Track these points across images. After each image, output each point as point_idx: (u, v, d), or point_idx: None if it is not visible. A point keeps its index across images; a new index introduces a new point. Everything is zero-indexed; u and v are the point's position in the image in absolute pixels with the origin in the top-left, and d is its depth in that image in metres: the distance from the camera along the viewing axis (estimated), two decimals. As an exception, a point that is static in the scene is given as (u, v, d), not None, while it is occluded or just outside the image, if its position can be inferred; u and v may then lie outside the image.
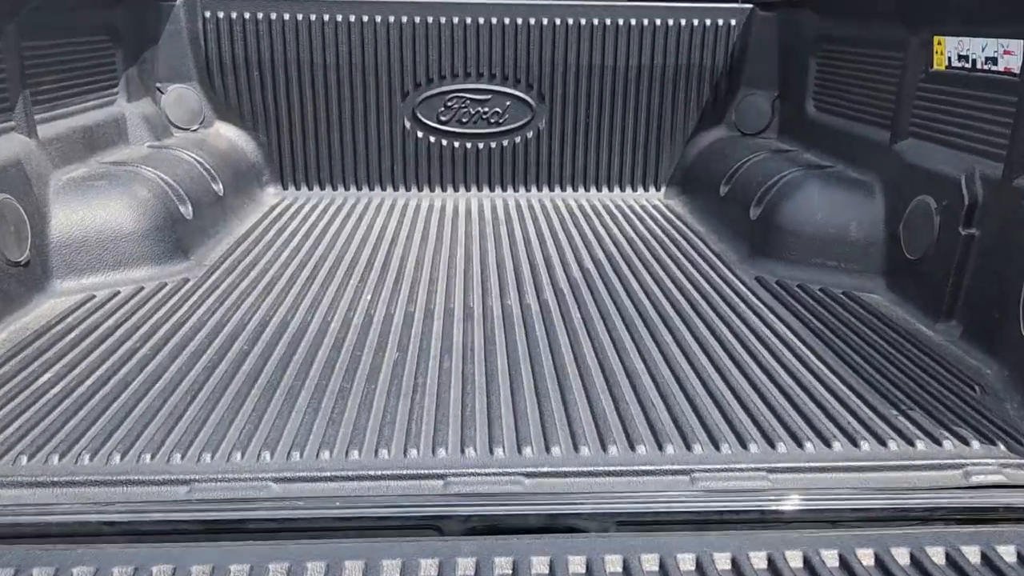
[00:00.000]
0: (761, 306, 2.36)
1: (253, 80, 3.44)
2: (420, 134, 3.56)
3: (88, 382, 1.82)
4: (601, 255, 2.82)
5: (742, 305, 2.36)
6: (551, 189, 3.67)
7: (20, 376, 1.84)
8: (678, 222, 3.26)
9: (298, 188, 3.61)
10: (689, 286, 2.51)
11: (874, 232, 2.55)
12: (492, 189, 3.66)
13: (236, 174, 3.31)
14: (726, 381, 1.88)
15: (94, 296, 2.33)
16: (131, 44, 3.17)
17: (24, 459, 1.50)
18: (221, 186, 3.10)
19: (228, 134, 3.52)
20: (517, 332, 2.15)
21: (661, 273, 2.63)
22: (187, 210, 2.76)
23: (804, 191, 2.72)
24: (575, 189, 3.68)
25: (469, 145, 3.59)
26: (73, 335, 2.05)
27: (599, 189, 3.69)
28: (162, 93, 3.40)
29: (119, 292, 2.37)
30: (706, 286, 2.52)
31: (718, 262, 2.75)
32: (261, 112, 3.49)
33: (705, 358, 2.01)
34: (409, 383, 1.85)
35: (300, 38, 3.37)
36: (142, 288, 2.41)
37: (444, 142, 3.58)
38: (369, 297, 2.37)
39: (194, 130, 3.47)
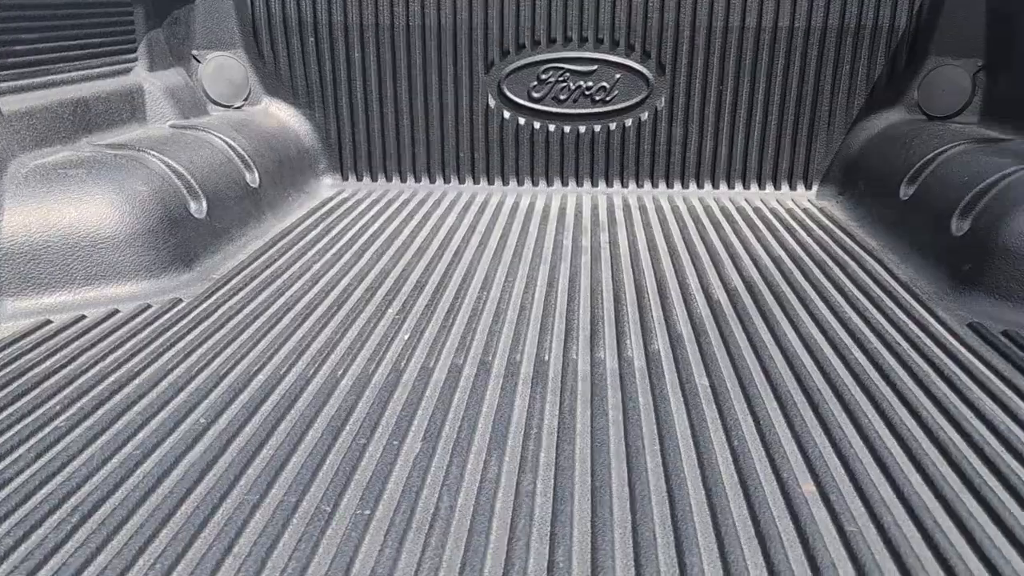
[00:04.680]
0: (989, 374, 1.54)
1: (308, 48, 2.83)
2: (507, 114, 2.87)
3: None
4: (737, 281, 2.05)
5: (957, 371, 1.55)
6: (669, 185, 2.91)
7: None
8: (839, 233, 2.44)
9: (359, 179, 2.99)
10: (869, 334, 1.71)
11: None
12: (594, 184, 2.92)
13: (281, 161, 2.71)
14: (952, 513, 1.11)
15: (49, 322, 1.75)
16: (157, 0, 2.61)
17: None
18: (257, 176, 2.50)
19: (278, 113, 2.94)
20: (610, 408, 1.42)
21: (825, 313, 1.84)
22: (199, 207, 2.17)
23: (1045, 198, 1.87)
24: (700, 186, 2.90)
25: (567, 128, 2.87)
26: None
27: (732, 186, 2.89)
28: (198, 62, 2.84)
29: (83, 317, 1.79)
30: (894, 335, 1.71)
31: (907, 296, 1.93)
32: (317, 86, 2.88)
33: (909, 463, 1.24)
34: (427, 507, 1.15)
35: None
36: (115, 312, 1.81)
37: (536, 124, 2.87)
38: (405, 338, 1.69)
39: (237, 107, 2.90)
